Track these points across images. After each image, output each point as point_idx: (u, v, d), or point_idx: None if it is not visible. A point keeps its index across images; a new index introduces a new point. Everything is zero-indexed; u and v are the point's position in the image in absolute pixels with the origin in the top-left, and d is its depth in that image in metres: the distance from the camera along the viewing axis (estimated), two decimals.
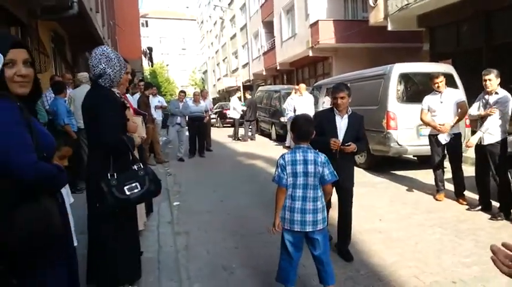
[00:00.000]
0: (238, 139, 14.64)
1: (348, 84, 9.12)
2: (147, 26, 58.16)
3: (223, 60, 41.27)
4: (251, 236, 4.43)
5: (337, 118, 3.79)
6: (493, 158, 4.92)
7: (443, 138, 5.61)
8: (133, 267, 2.92)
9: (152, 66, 35.89)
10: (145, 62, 29.01)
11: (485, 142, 4.93)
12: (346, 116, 3.80)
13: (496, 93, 4.86)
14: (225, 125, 21.04)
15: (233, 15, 35.29)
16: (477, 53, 10.58)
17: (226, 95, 37.05)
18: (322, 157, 2.81)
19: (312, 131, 2.85)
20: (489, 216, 4.87)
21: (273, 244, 4.00)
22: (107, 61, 2.59)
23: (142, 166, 2.65)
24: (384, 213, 5.21)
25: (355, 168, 8.28)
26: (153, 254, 3.74)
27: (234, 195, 6.37)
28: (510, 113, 4.83)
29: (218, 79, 43.51)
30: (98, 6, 11.86)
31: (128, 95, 4.85)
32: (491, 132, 4.88)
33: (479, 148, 5.05)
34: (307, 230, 2.76)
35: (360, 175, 7.77)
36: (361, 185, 6.83)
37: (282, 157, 2.82)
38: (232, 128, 15.53)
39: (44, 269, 1.60)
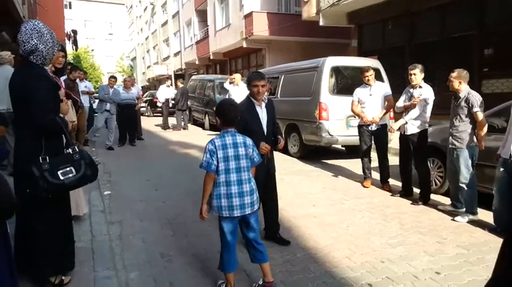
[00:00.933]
0: (168, 128, 14.33)
1: (283, 76, 9.36)
2: (70, 8, 54.41)
3: (154, 47, 39.96)
4: (188, 224, 4.37)
5: (258, 109, 3.60)
6: (415, 147, 5.31)
7: (374, 126, 5.97)
8: (66, 256, 2.74)
9: (76, 50, 33.69)
10: (68, 46, 27.13)
11: (408, 132, 5.32)
12: (263, 105, 3.65)
13: (420, 87, 5.24)
14: (155, 114, 20.46)
15: (165, 1, 34.23)
16: (400, 50, 11.33)
17: (156, 83, 35.97)
18: (249, 140, 2.83)
19: (238, 115, 2.83)
20: (410, 202, 5.28)
21: (210, 231, 3.99)
22: (38, 36, 2.38)
23: (77, 149, 2.48)
24: (317, 199, 5.42)
25: (289, 157, 8.58)
26: (86, 243, 3.55)
27: (168, 184, 6.23)
28: (431, 106, 5.23)
29: (148, 67, 42.07)
30: None
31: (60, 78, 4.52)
32: (413, 123, 5.27)
33: (403, 138, 5.44)
34: (247, 213, 2.76)
35: (294, 164, 8.01)
36: (295, 174, 7.06)
37: (211, 142, 2.75)
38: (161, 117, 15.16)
39: None
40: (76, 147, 2.51)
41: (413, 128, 5.29)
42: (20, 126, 2.51)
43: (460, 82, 4.52)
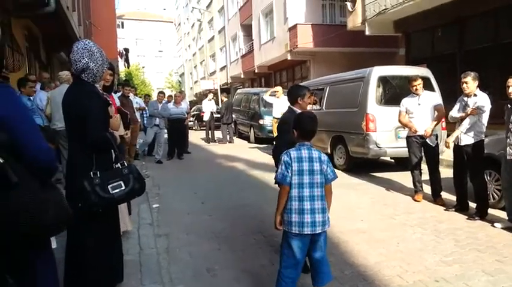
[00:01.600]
0: (214, 141, 14.55)
1: (328, 87, 9.24)
2: (123, 27, 57.25)
3: (201, 63, 41.02)
4: (234, 238, 4.38)
5: None
6: (470, 159, 5.03)
7: (431, 142, 5.70)
8: (116, 270, 2.82)
9: (128, 67, 35.34)
10: (121, 63, 28.54)
11: (462, 143, 5.04)
12: None
13: (475, 95, 4.98)
14: (202, 128, 20.90)
15: (211, 17, 35.16)
16: (451, 58, 10.88)
17: (203, 97, 36.83)
18: (325, 156, 2.73)
19: (316, 129, 2.75)
20: (466, 217, 4.98)
21: (256, 246, 3.97)
22: (89, 55, 2.50)
23: (126, 164, 2.57)
24: (365, 214, 5.26)
25: (336, 170, 8.40)
26: (134, 256, 3.64)
27: (215, 197, 6.30)
28: (487, 115, 4.95)
29: (195, 82, 43.21)
30: (74, 4, 11.59)
31: (113, 95, 4.73)
32: (468, 134, 5.00)
33: (457, 149, 5.16)
34: (317, 231, 2.62)
35: (340, 177, 7.77)
36: (342, 187, 6.87)
37: (287, 153, 2.65)
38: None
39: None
40: (125, 161, 2.59)
41: (468, 139, 5.01)
42: (72, 141, 2.63)
43: None
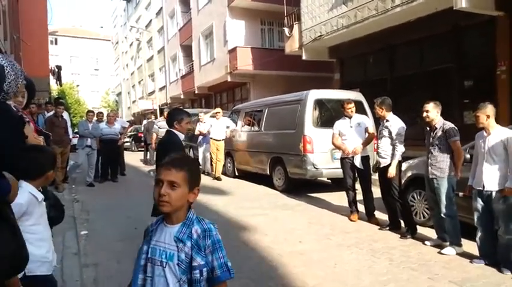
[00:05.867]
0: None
1: (267, 109, 9.36)
2: (56, 43, 54.65)
3: (139, 82, 40.08)
4: None
5: None
6: (390, 180, 5.26)
7: (358, 162, 5.88)
8: None
9: (61, 86, 33.58)
10: (53, 81, 27.06)
11: (381, 165, 5.33)
12: None
13: (387, 120, 5.32)
14: (139, 149, 20.23)
15: (150, 37, 34.65)
16: (382, 83, 11.50)
17: (141, 117, 35.81)
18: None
19: None
20: (399, 235, 5.15)
21: None
22: None
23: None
24: (303, 235, 5.25)
25: (273, 191, 8.43)
26: None
27: (150, 221, 5.98)
28: (399, 138, 5.21)
29: (133, 101, 42.01)
30: None
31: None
32: (383, 156, 5.30)
33: (379, 171, 5.41)
34: None
35: (279, 198, 7.86)
36: (280, 208, 6.90)
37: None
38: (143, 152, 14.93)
39: None
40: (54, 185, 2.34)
41: (384, 161, 5.31)
42: None
43: (428, 111, 4.57)
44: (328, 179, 9.06)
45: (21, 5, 18.27)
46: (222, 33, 19.36)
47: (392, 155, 5.21)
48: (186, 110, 4.45)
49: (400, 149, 5.19)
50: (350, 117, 6.02)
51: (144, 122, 15.10)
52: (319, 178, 8.52)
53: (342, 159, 6.13)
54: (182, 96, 26.64)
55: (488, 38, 8.63)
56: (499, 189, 3.90)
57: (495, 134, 4.00)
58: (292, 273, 3.93)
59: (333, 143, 6.25)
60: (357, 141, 5.93)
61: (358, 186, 6.20)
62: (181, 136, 3.56)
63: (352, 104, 6.03)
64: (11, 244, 1.71)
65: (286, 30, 14.16)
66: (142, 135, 15.47)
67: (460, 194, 4.55)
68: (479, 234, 4.17)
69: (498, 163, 3.94)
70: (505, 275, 3.79)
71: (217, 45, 20.18)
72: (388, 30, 10.26)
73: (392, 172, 5.16)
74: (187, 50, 25.50)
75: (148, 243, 1.66)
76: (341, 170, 6.28)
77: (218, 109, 11.03)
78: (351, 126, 6.00)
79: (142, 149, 15.22)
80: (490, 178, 3.97)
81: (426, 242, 4.78)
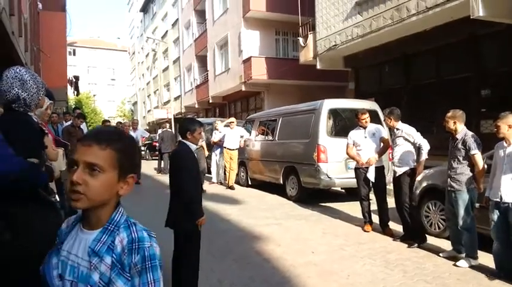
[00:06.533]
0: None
1: (281, 118, 9.37)
2: (74, 54, 55.93)
3: (155, 92, 40.58)
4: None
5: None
6: (404, 188, 5.26)
7: (372, 177, 5.82)
8: None
9: (78, 95, 34.25)
10: (70, 91, 27.62)
11: (397, 174, 5.31)
12: None
13: (397, 129, 5.35)
14: (153, 158, 20.42)
15: (166, 48, 35.13)
16: (397, 92, 11.42)
17: (156, 127, 36.24)
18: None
19: None
20: (407, 245, 5.08)
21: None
22: (20, 85, 2.30)
23: (58, 199, 2.36)
24: (316, 245, 5.21)
25: (287, 201, 8.39)
26: None
27: (165, 230, 6.01)
28: (420, 137, 5.23)
29: (148, 111, 42.52)
30: (21, 30, 11.11)
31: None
32: (399, 165, 5.27)
33: (395, 180, 5.36)
34: None
35: (292, 208, 7.82)
36: (294, 218, 6.86)
37: None
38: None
39: None
40: (57, 196, 2.38)
41: (400, 169, 5.31)
42: None
43: (454, 122, 4.48)
44: (341, 189, 8.99)
45: (41, 16, 18.76)
46: (237, 44, 19.52)
47: (419, 154, 5.21)
48: (199, 119, 4.45)
49: (426, 146, 5.17)
50: (365, 128, 5.98)
51: (159, 131, 15.24)
52: (332, 188, 8.46)
53: (356, 169, 6.08)
54: (197, 106, 26.84)
55: (505, 47, 8.51)
56: None
57: None
58: (305, 284, 3.90)
59: (348, 154, 6.21)
60: (372, 152, 5.88)
61: (372, 196, 6.14)
62: (193, 147, 3.53)
63: (367, 115, 5.99)
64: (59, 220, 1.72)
65: (300, 40, 14.20)
66: (157, 144, 15.58)
67: (477, 205, 4.45)
68: (495, 246, 4.08)
69: None
70: None
71: (232, 55, 20.34)
72: (404, 39, 10.20)
73: (420, 170, 5.22)
74: (202, 60, 25.76)
75: (58, 254, 1.17)
76: (355, 180, 6.23)
77: (232, 119, 11.08)
78: (366, 137, 5.96)
79: (156, 157, 15.33)
80: (508, 190, 3.87)
81: (440, 254, 4.69)
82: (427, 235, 5.23)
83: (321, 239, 5.57)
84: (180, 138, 3.60)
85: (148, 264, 1.09)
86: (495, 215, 4.01)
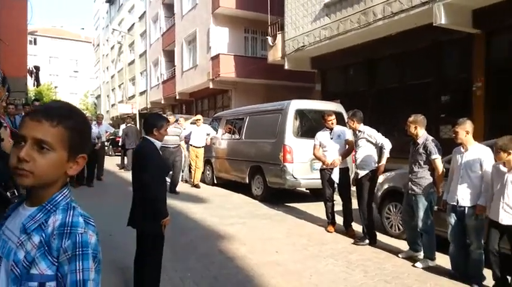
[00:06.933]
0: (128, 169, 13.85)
1: (248, 117, 9.37)
2: (35, 44, 53.64)
3: (119, 86, 39.60)
4: None
5: None
6: (365, 189, 5.44)
7: (336, 178, 5.91)
8: None
9: (38, 86, 32.86)
10: (30, 82, 26.47)
11: (360, 176, 5.46)
12: None
13: (359, 131, 5.51)
14: (117, 154, 19.96)
15: (132, 41, 34.33)
16: (362, 95, 11.67)
17: (120, 121, 35.41)
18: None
19: None
20: (374, 247, 5.21)
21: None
22: None
23: (16, 193, 2.25)
24: (280, 245, 5.24)
25: (252, 200, 8.40)
26: None
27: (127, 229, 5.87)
28: (381, 137, 5.41)
29: (112, 105, 41.46)
30: None
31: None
32: (362, 167, 5.44)
33: (357, 181, 5.52)
34: None
35: (257, 207, 7.84)
36: (259, 218, 6.88)
37: None
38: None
39: None
40: (16, 190, 2.27)
41: (362, 172, 5.48)
42: None
43: (415, 127, 4.62)
44: (306, 189, 9.10)
45: (1, 3, 17.88)
46: (206, 40, 19.34)
47: (381, 154, 5.38)
48: (165, 116, 4.33)
49: (388, 145, 5.33)
50: (331, 129, 6.07)
51: (123, 126, 14.89)
52: (298, 188, 8.55)
53: (322, 170, 6.16)
54: (163, 102, 26.43)
55: (465, 54, 8.87)
56: (472, 205, 3.97)
57: (472, 150, 4.05)
58: (268, 284, 3.91)
59: (314, 154, 6.28)
60: (337, 153, 5.98)
61: (337, 197, 6.25)
62: (158, 144, 3.42)
63: (333, 116, 6.07)
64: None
65: (269, 39, 14.25)
66: (120, 139, 15.20)
67: (435, 208, 4.61)
68: (451, 248, 4.24)
69: (473, 180, 3.99)
70: None
71: (200, 51, 20.14)
72: (370, 43, 10.44)
73: (382, 170, 5.38)
74: (169, 55, 25.38)
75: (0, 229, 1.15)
76: (320, 181, 6.31)
77: (199, 116, 10.97)
78: (331, 138, 6.05)
79: (119, 153, 14.97)
80: (464, 194, 4.03)
81: (399, 255, 4.84)
82: (387, 236, 5.39)
83: (285, 239, 5.61)
84: (143, 135, 3.47)
85: (79, 251, 1.02)
86: (452, 219, 4.17)
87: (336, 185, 6.09)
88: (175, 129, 9.15)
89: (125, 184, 10.61)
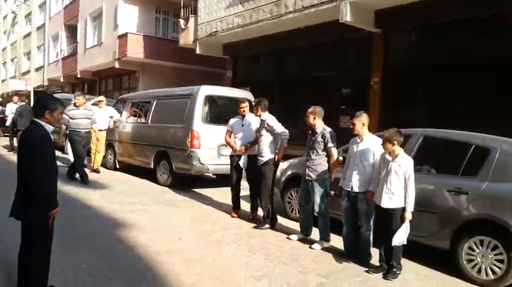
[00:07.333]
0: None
1: (155, 101, 9.05)
2: None
3: (12, 60, 35.71)
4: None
5: None
6: (266, 176, 5.58)
7: (243, 164, 5.96)
8: None
9: None
10: None
11: (260, 163, 5.59)
12: None
13: (262, 119, 5.65)
14: (5, 134, 17.99)
15: (29, 11, 31.07)
16: (271, 84, 11.94)
17: (11, 99, 32.07)
18: None
19: None
20: (275, 231, 5.38)
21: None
22: None
23: None
24: (183, 231, 5.16)
25: (157, 186, 8.15)
26: None
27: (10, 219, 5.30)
28: (280, 125, 5.55)
29: (3, 80, 37.25)
30: None
31: None
32: (263, 154, 5.57)
33: (258, 168, 5.65)
34: None
35: (163, 193, 7.63)
36: (163, 204, 6.71)
37: None
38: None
39: None
40: None
41: (262, 159, 5.61)
42: None
43: (314, 117, 4.86)
44: (214, 175, 9.08)
45: None
46: (113, 17, 18.19)
47: (280, 142, 5.49)
48: (57, 97, 3.86)
49: (284, 134, 5.47)
50: (243, 116, 6.09)
51: (11, 104, 13.41)
52: (205, 174, 8.49)
53: (231, 156, 6.17)
54: (62, 79, 24.44)
55: (366, 52, 9.49)
56: (363, 191, 4.30)
57: (367, 141, 4.39)
58: (169, 272, 3.81)
59: (225, 140, 6.27)
60: (248, 140, 6.03)
61: (244, 183, 6.29)
62: (50, 128, 3.05)
63: (246, 103, 6.09)
64: None
65: (181, 22, 13.84)
66: (8, 119, 13.66)
67: (332, 193, 4.89)
68: (344, 230, 4.57)
69: (366, 167, 4.33)
70: (364, 268, 4.19)
71: (107, 28, 18.90)
72: (280, 34, 10.68)
73: (280, 157, 5.51)
74: (71, 30, 23.46)
75: None
76: (227, 167, 6.32)
77: (102, 97, 10.29)
78: (243, 125, 6.08)
79: (8, 134, 13.52)
80: (357, 181, 4.35)
81: (290, 236, 5.08)
82: (288, 220, 5.59)
83: (189, 225, 5.54)
84: (33, 117, 3.07)
85: None
86: (346, 203, 4.48)
87: (244, 171, 6.15)
88: (87, 112, 8.48)
89: (14, 168, 9.60)
